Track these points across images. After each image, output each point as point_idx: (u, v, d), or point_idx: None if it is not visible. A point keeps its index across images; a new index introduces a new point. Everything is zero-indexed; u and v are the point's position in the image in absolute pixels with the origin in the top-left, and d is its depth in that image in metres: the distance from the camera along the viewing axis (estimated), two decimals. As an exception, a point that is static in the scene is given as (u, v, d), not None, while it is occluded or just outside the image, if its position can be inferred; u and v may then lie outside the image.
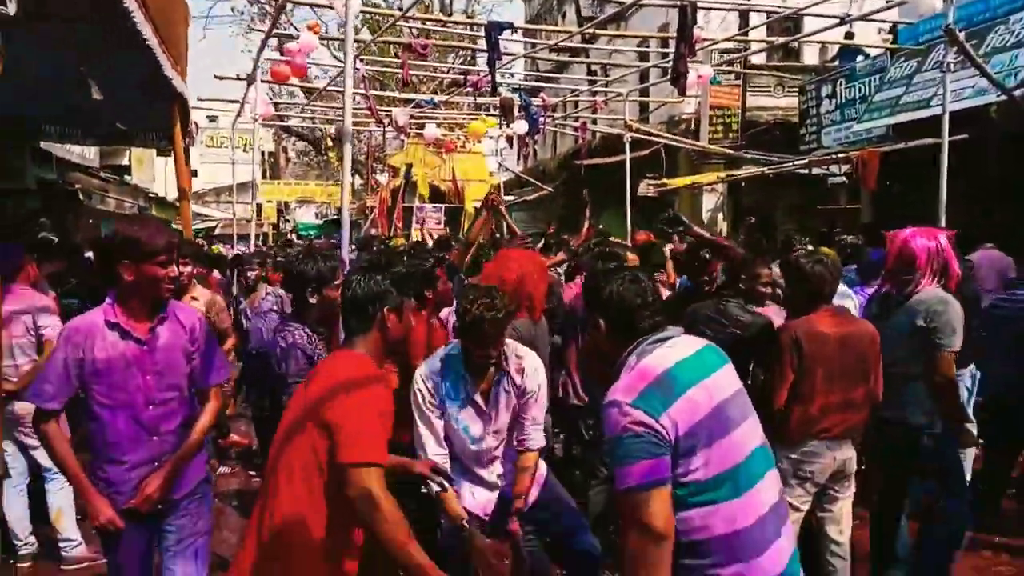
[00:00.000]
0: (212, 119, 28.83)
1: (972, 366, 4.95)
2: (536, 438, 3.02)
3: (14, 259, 4.02)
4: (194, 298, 4.90)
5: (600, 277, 2.09)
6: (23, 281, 4.04)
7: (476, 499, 3.03)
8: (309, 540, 2.07)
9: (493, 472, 3.09)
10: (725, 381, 1.93)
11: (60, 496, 4.16)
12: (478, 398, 2.95)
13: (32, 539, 4.18)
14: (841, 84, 11.64)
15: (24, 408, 3.91)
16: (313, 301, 3.20)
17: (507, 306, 2.82)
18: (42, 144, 9.75)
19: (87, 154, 13.98)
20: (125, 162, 17.00)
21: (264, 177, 19.37)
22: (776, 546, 1.84)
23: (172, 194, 24.78)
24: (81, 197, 12.10)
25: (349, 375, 2.18)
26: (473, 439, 2.97)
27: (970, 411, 5.04)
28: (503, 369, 2.95)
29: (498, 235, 6.47)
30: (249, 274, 7.02)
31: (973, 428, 4.99)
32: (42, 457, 4.09)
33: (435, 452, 2.90)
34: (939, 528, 3.57)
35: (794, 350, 3.17)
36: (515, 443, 3.05)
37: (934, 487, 3.60)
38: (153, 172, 22.46)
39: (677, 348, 1.94)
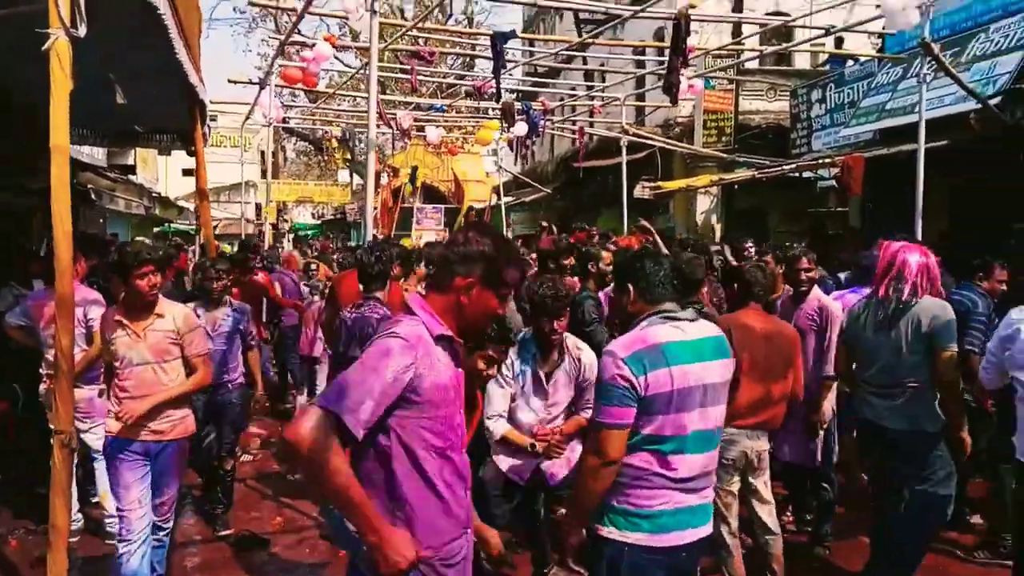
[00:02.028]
0: (212, 119, 29.09)
1: None
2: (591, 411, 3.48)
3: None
4: (159, 316, 3.75)
5: (634, 255, 2.67)
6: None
7: (515, 461, 3.71)
8: None
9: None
10: (714, 372, 2.38)
11: (107, 477, 4.49)
12: (542, 374, 3.67)
13: (80, 516, 4.54)
14: (830, 89, 12.01)
15: (77, 394, 4.25)
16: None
17: (565, 289, 3.56)
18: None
19: (96, 154, 14.28)
20: (131, 161, 17.20)
21: (263, 177, 19.65)
22: (702, 493, 2.42)
23: (174, 193, 25.10)
24: (93, 197, 12.37)
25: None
26: (534, 409, 3.70)
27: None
28: (564, 354, 3.69)
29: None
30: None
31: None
32: (91, 440, 4.44)
33: (496, 411, 3.63)
34: (888, 553, 3.46)
35: None
36: (575, 411, 3.79)
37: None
38: (156, 171, 22.69)
39: (684, 330, 2.36)
